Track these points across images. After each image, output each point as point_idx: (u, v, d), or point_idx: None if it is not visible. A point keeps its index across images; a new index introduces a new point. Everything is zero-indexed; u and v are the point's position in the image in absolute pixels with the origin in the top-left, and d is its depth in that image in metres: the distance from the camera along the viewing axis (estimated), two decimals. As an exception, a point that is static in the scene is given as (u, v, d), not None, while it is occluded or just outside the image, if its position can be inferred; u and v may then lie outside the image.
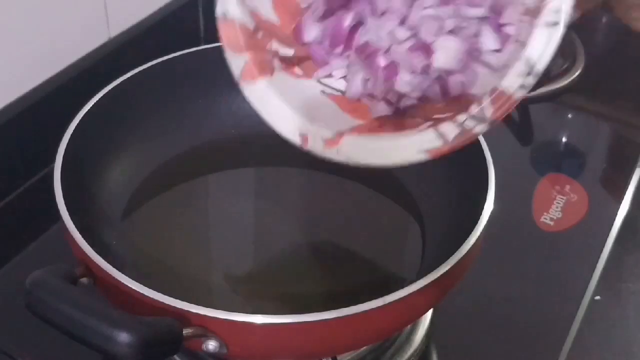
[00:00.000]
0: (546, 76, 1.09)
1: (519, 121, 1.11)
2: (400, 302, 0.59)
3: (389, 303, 0.59)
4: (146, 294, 0.58)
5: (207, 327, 0.57)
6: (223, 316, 0.58)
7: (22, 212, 0.90)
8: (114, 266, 0.62)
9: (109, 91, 0.79)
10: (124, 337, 0.52)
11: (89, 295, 0.56)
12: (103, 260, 0.61)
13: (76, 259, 0.63)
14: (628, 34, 1.32)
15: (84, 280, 0.62)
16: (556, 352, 0.76)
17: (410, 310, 0.64)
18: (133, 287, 0.59)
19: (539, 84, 1.17)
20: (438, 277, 0.61)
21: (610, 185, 0.99)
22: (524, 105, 1.11)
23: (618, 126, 1.11)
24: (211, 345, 0.58)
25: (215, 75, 0.88)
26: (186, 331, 0.56)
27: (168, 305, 0.58)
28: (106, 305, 0.55)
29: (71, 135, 0.73)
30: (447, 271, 0.61)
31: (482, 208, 0.67)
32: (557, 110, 1.13)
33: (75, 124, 0.74)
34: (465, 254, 0.63)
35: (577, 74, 1.15)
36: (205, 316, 0.57)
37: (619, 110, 1.12)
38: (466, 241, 0.64)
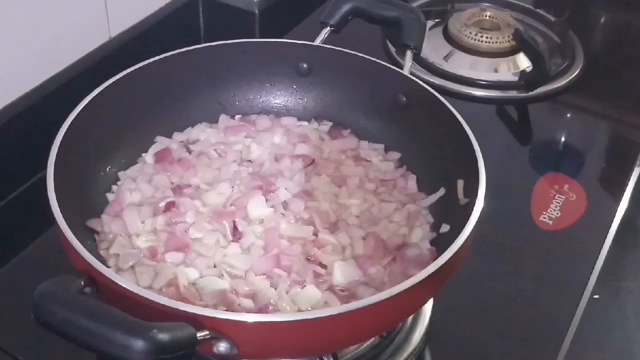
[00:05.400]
0: (546, 76, 1.09)
1: (517, 120, 1.11)
2: (401, 295, 0.60)
3: (388, 298, 0.59)
4: (155, 299, 0.58)
5: (218, 330, 0.57)
6: (233, 317, 0.58)
7: (21, 212, 0.89)
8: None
9: (103, 90, 0.78)
10: (139, 344, 0.51)
11: (99, 304, 0.55)
12: (110, 271, 0.60)
13: (78, 270, 0.62)
14: (628, 34, 1.32)
15: (88, 290, 0.61)
16: (555, 350, 0.77)
17: (409, 303, 0.64)
18: (140, 294, 0.58)
19: (538, 82, 1.18)
20: (434, 271, 0.61)
21: (609, 184, 0.99)
22: (523, 105, 1.11)
23: (617, 126, 1.11)
24: (222, 347, 0.58)
25: (214, 75, 0.88)
26: (199, 335, 0.55)
27: (178, 310, 0.57)
28: (118, 313, 0.54)
29: (62, 138, 0.72)
30: (440, 266, 0.62)
31: (474, 203, 0.67)
32: (556, 110, 1.13)
33: (67, 127, 0.73)
34: (458, 249, 0.63)
35: (576, 73, 1.15)
36: (215, 318, 0.57)
37: (618, 110, 1.12)
38: (457, 239, 0.64)
